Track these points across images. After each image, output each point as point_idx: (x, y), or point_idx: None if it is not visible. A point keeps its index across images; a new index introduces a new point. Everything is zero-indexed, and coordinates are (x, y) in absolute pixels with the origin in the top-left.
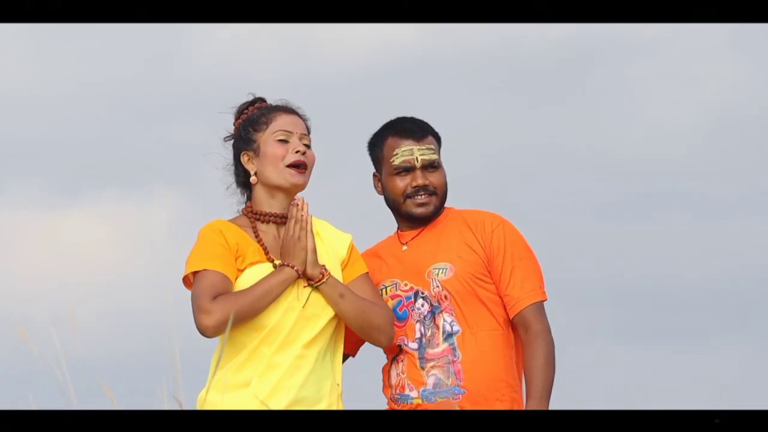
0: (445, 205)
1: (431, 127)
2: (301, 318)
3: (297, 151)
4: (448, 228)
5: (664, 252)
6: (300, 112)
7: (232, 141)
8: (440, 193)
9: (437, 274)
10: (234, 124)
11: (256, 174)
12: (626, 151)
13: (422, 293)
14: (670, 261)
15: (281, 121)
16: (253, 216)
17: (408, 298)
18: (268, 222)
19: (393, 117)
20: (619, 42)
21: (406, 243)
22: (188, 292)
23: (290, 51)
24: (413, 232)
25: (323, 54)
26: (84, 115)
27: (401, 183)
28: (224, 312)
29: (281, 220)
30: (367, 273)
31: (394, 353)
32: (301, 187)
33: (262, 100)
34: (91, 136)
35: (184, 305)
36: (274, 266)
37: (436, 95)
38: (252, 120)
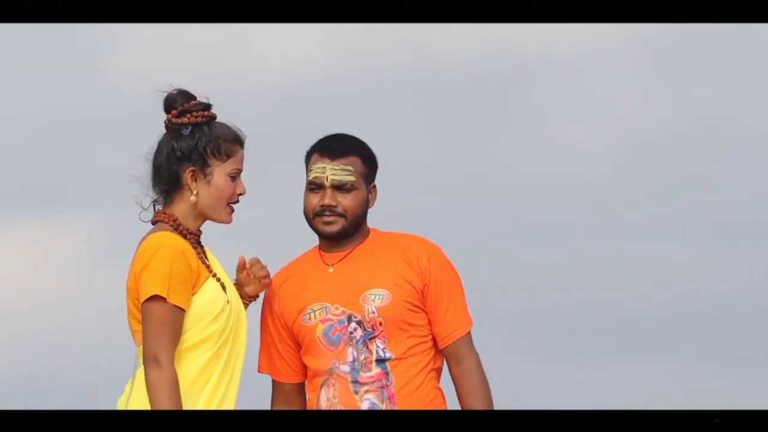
0: (369, 226)
1: (360, 149)
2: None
3: (240, 194)
4: (379, 253)
5: (576, 274)
6: None
7: (169, 134)
8: (350, 217)
9: (373, 300)
10: (176, 118)
11: (197, 195)
12: (539, 173)
13: (355, 317)
14: (581, 283)
15: (238, 158)
16: (186, 232)
17: (341, 322)
18: (192, 240)
19: (326, 133)
20: (532, 66)
21: (332, 265)
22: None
23: (204, 71)
24: (339, 254)
25: (238, 73)
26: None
27: (313, 200)
28: (171, 384)
29: (197, 238)
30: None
31: (324, 377)
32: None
33: (209, 106)
34: (7, 158)
35: (99, 327)
36: (218, 280)
37: (347, 116)
38: (214, 143)
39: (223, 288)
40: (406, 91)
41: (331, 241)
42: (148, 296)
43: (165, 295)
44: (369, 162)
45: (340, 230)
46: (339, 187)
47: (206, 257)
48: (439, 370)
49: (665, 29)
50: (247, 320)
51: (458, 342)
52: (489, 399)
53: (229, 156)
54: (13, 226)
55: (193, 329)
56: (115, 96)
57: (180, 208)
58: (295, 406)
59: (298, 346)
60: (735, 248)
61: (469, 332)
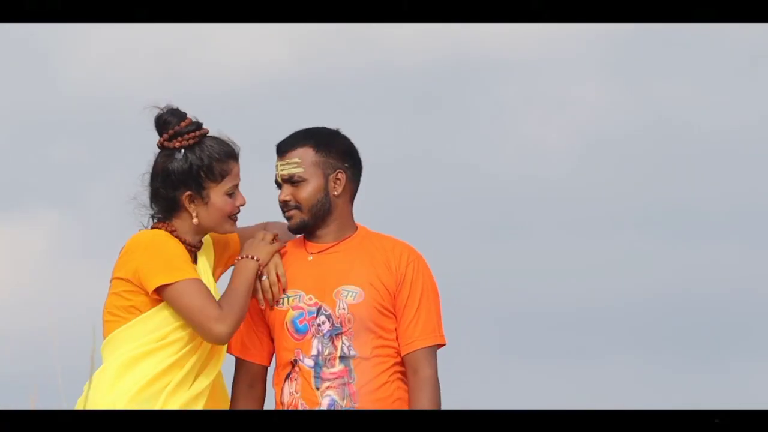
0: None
1: (310, 139)
2: None
3: (240, 205)
4: (360, 250)
5: (540, 271)
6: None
7: (162, 157)
8: (305, 207)
9: (346, 296)
10: (167, 142)
11: (197, 216)
12: (499, 172)
13: (326, 311)
14: (545, 280)
15: (233, 174)
16: (182, 242)
17: (311, 312)
18: (187, 250)
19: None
20: (491, 64)
21: (312, 254)
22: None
23: (165, 71)
24: (321, 245)
25: (198, 73)
26: None
27: (279, 197)
28: (235, 315)
29: (196, 249)
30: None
31: (287, 370)
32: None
33: (200, 125)
34: None
35: (65, 326)
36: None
37: (309, 116)
38: (207, 166)
39: None
40: (366, 91)
41: (310, 233)
42: (163, 284)
43: (180, 278)
44: (324, 149)
45: (299, 223)
46: (290, 182)
47: (195, 265)
48: (404, 374)
49: (624, 28)
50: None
51: (417, 352)
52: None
53: (223, 176)
54: None
55: (159, 332)
56: (75, 95)
57: (179, 224)
58: (256, 392)
59: (269, 328)
60: (700, 245)
61: (434, 346)
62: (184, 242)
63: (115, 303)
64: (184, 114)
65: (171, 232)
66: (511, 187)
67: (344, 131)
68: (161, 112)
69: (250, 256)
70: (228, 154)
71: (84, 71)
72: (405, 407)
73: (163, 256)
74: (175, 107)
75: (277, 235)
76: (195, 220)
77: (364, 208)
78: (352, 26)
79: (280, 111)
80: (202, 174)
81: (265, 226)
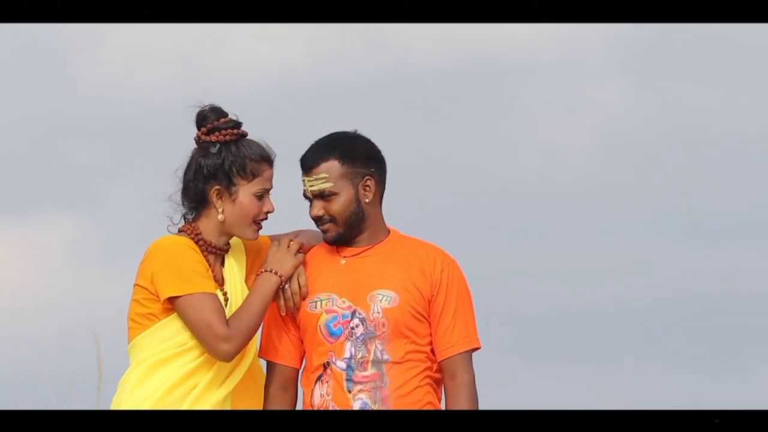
0: (390, 227)
1: (334, 151)
2: None
3: (268, 212)
4: (394, 255)
5: (559, 274)
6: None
7: (198, 151)
8: (340, 220)
9: (380, 300)
10: (205, 135)
11: (222, 212)
12: (517, 174)
13: (360, 314)
14: (565, 282)
15: (265, 178)
16: (204, 245)
17: (345, 316)
18: (213, 253)
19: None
20: (509, 66)
21: (345, 258)
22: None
23: (183, 73)
24: (354, 249)
25: (215, 75)
26: None
27: (310, 212)
28: (243, 335)
29: (222, 252)
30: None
31: (319, 372)
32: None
33: (239, 124)
34: None
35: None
36: (224, 294)
37: (326, 118)
38: (240, 163)
39: (227, 304)
40: (381, 93)
41: (344, 244)
42: (173, 296)
43: (191, 291)
44: (349, 159)
45: (336, 235)
46: (321, 197)
47: (220, 270)
48: (435, 380)
49: (642, 29)
50: (255, 343)
51: (455, 358)
52: None
53: (255, 175)
54: None
55: (177, 338)
56: (93, 97)
57: (205, 224)
58: (288, 394)
59: (300, 330)
60: (717, 248)
61: (470, 351)
62: (209, 245)
63: (135, 310)
64: (225, 112)
65: (196, 236)
66: (529, 190)
67: (362, 133)
68: (202, 108)
69: (272, 271)
70: (263, 157)
71: (103, 74)
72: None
73: (178, 266)
74: (217, 106)
75: (303, 245)
76: (220, 216)
77: (383, 210)
78: (365, 27)
79: (297, 113)
80: (234, 170)
81: (297, 234)
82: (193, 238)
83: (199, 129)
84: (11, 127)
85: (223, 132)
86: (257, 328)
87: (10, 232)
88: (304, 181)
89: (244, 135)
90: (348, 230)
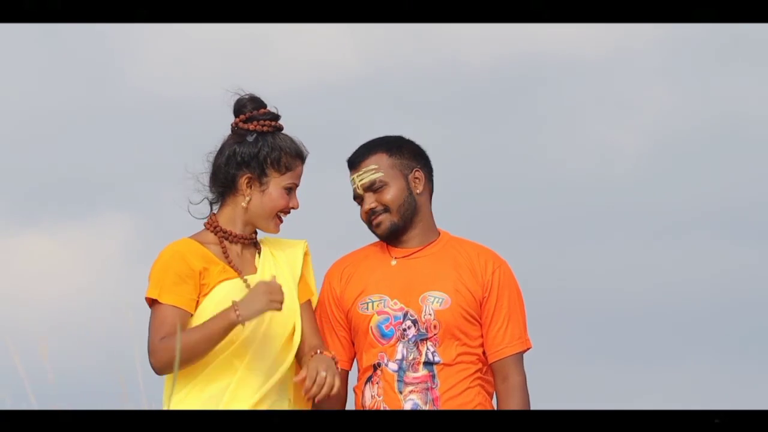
0: (438, 227)
1: (379, 146)
2: (271, 327)
3: (292, 207)
4: (445, 256)
5: (609, 272)
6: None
7: (233, 138)
8: (393, 208)
9: (432, 302)
10: (242, 123)
11: (249, 201)
12: (569, 173)
13: (412, 316)
14: (614, 280)
15: (297, 172)
16: (221, 234)
17: (396, 318)
18: (234, 242)
19: (381, 132)
20: (561, 64)
21: (396, 259)
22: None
23: (233, 71)
24: (406, 250)
25: (266, 72)
26: (33, 137)
27: (361, 212)
28: (168, 354)
29: (247, 241)
30: (310, 300)
31: (369, 373)
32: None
33: (277, 117)
34: (41, 159)
35: (141, 327)
36: (245, 282)
37: (376, 117)
38: (275, 155)
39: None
40: (432, 91)
41: (396, 237)
42: (146, 298)
43: (156, 297)
44: (396, 151)
45: (390, 226)
46: (371, 189)
47: (247, 259)
48: (487, 381)
49: (692, 28)
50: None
51: (507, 359)
52: None
53: (288, 169)
54: (47, 227)
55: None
56: (139, 94)
57: (228, 212)
58: (340, 394)
59: (350, 332)
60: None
61: (522, 352)
62: (228, 234)
63: None
64: (264, 103)
65: (214, 228)
66: (582, 187)
67: (412, 132)
68: (242, 96)
69: (236, 309)
70: (298, 152)
71: (157, 74)
72: None
73: (160, 272)
74: (256, 96)
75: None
76: (244, 204)
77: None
78: (414, 26)
79: (345, 112)
80: (268, 161)
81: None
82: (212, 231)
83: (236, 116)
84: (69, 129)
85: (262, 122)
86: (191, 355)
87: (70, 234)
88: (353, 179)
89: (280, 128)
90: (401, 220)
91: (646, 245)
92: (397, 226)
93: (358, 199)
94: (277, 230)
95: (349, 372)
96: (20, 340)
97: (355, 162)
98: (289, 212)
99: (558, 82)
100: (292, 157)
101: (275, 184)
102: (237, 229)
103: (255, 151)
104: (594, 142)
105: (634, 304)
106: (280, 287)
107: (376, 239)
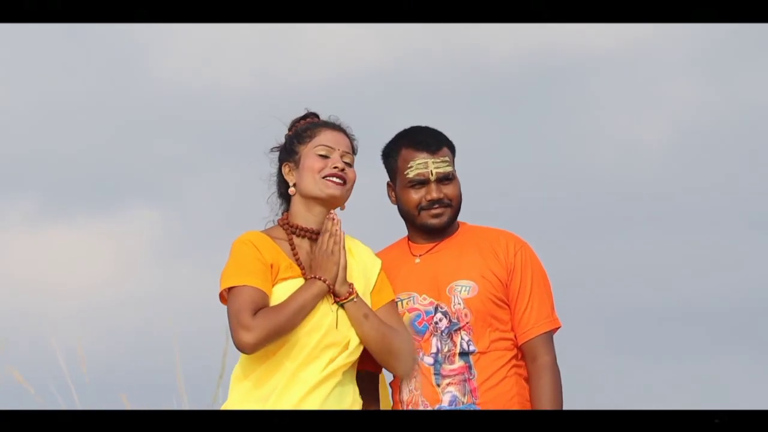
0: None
1: (446, 138)
2: (327, 335)
3: (336, 167)
4: (467, 245)
5: (635, 269)
6: (347, 130)
7: (278, 152)
8: (455, 205)
9: (460, 291)
10: (288, 132)
11: (294, 185)
12: (592, 169)
13: (442, 308)
14: (639, 277)
15: (324, 137)
16: (289, 228)
17: (428, 312)
18: (302, 236)
19: (407, 126)
20: (582, 60)
21: (419, 256)
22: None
23: (261, 68)
24: (427, 245)
25: (298, 64)
26: (65, 131)
27: (416, 195)
28: (265, 328)
29: (316, 236)
30: (394, 301)
31: None
32: (338, 199)
33: (314, 115)
34: (73, 152)
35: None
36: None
37: (396, 109)
38: (297, 133)
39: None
40: (453, 87)
41: (426, 233)
42: (222, 289)
43: (238, 282)
44: (453, 150)
45: (448, 221)
46: (442, 180)
47: (304, 257)
48: (523, 367)
49: (717, 26)
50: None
51: (534, 340)
52: (557, 399)
53: (311, 137)
54: (77, 222)
55: None
56: (174, 92)
57: (293, 207)
58: (374, 393)
59: None
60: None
61: (551, 331)
62: (296, 228)
63: None
64: (310, 114)
65: (285, 223)
66: (604, 185)
67: (432, 125)
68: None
69: (320, 278)
70: (321, 123)
71: (184, 68)
72: (524, 402)
73: (233, 262)
74: (312, 112)
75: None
76: (292, 189)
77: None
78: (435, 26)
79: (373, 110)
80: (293, 140)
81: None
82: (283, 227)
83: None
84: (98, 123)
85: (297, 125)
86: (284, 329)
87: (98, 227)
88: (427, 162)
89: (315, 116)
90: (455, 217)
91: (669, 243)
92: (451, 221)
93: (420, 184)
94: (334, 191)
95: (380, 374)
96: (58, 336)
97: (432, 147)
98: (336, 174)
99: (579, 78)
100: (313, 127)
101: (305, 155)
102: (301, 221)
103: (285, 144)
104: (616, 139)
105: (653, 300)
106: (329, 253)
107: (393, 237)
